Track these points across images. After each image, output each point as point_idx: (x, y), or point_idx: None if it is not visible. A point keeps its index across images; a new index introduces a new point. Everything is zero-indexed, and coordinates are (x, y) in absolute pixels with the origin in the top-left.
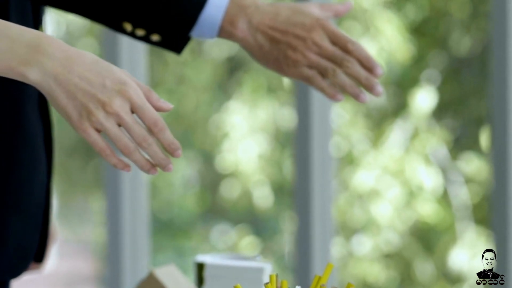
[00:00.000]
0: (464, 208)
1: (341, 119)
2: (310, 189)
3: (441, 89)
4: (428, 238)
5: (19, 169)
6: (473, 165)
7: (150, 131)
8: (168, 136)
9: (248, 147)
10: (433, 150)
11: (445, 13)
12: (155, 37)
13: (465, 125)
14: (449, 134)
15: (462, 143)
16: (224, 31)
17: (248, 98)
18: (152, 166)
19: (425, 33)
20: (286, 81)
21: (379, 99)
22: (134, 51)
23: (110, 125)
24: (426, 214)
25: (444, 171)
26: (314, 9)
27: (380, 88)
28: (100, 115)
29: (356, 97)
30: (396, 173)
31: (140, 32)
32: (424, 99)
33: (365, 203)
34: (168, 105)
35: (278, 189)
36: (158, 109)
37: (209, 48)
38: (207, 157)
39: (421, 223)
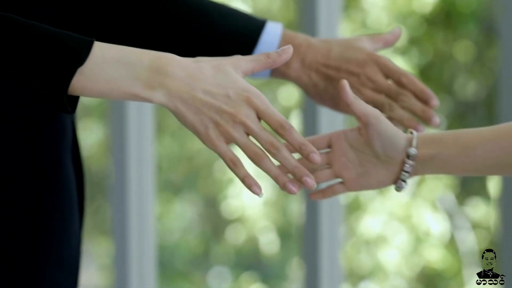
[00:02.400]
0: (471, 254)
1: None
2: (318, 235)
3: None
4: (435, 284)
5: (57, 218)
6: (480, 210)
7: (278, 134)
8: (297, 136)
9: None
10: (440, 195)
11: (449, 57)
12: None
13: None
14: (456, 179)
15: (469, 188)
16: (277, 71)
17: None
18: (288, 180)
19: (430, 77)
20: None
21: None
22: None
23: (238, 134)
24: (433, 260)
25: (451, 216)
26: (365, 42)
27: (437, 119)
28: (227, 126)
29: (414, 129)
30: (403, 219)
31: None
32: None
33: (372, 249)
34: (288, 50)
35: (284, 235)
36: (284, 59)
37: None
38: (211, 201)
39: (429, 269)
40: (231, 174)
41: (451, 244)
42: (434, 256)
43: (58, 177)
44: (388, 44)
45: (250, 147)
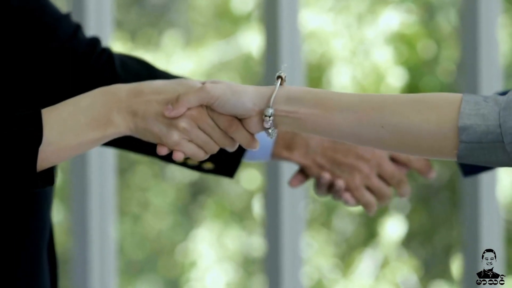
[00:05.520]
0: None
1: (310, 247)
2: None
3: (410, 218)
4: None
5: None
6: None
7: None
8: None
9: (216, 275)
10: (403, 278)
11: None
12: (208, 165)
13: (435, 253)
14: (419, 262)
15: (432, 271)
16: (280, 156)
17: (216, 227)
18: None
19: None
20: (255, 209)
21: (348, 228)
22: (104, 174)
23: (193, 128)
24: None
25: None
26: None
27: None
28: (181, 122)
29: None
30: None
31: (192, 162)
32: (393, 227)
33: None
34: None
35: None
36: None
37: (171, 172)
38: (172, 284)
39: None
40: (193, 257)
41: None
42: None
43: (35, 274)
44: None
45: (209, 143)
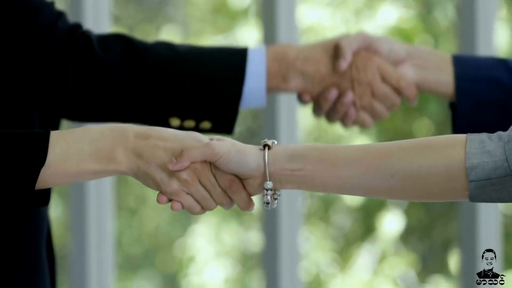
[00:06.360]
0: None
1: (308, 242)
2: None
3: (408, 213)
4: None
5: None
6: None
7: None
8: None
9: (214, 271)
10: (401, 273)
11: (409, 135)
12: (205, 125)
13: (433, 248)
14: (417, 257)
15: (430, 266)
16: (277, 88)
17: (213, 222)
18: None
19: None
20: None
21: (346, 223)
22: None
23: (194, 182)
24: None
25: None
26: (354, 44)
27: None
28: (183, 174)
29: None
30: None
31: (189, 124)
32: (391, 222)
33: None
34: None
35: None
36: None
37: None
38: (170, 279)
39: None
40: (191, 253)
41: None
42: None
43: (35, 271)
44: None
45: (207, 199)
